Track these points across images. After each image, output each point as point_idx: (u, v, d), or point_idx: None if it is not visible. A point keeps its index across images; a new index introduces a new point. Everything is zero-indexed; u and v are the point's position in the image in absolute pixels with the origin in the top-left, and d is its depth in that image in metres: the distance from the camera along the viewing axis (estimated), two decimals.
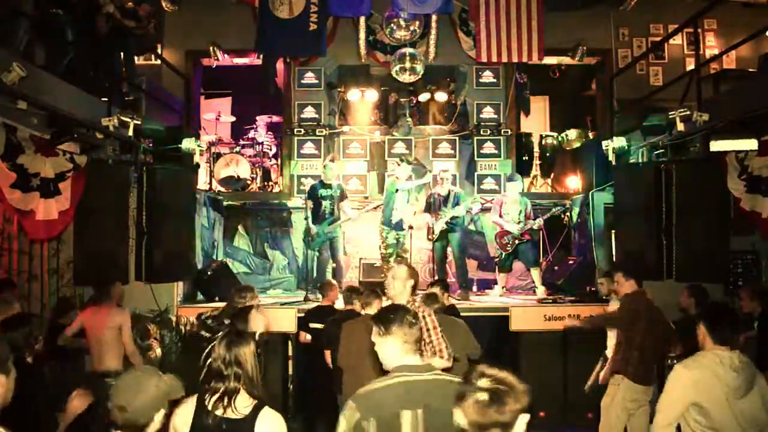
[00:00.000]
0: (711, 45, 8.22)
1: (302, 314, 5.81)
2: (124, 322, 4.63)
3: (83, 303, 5.82)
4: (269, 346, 4.91)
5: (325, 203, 6.89)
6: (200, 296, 6.81)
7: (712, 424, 2.64)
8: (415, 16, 7.67)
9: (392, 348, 2.28)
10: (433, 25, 7.93)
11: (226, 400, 2.25)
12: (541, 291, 6.94)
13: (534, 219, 6.92)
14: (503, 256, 7.07)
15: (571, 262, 7.42)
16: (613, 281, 4.82)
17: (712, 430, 2.65)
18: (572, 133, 8.67)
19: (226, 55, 8.09)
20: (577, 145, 8.63)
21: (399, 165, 7.06)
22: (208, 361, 2.49)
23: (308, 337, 5.35)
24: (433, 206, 7.00)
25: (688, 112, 5.32)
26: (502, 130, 8.36)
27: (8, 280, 4.92)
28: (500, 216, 6.99)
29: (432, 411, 2.14)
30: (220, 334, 2.75)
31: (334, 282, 5.90)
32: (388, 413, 2.14)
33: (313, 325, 5.31)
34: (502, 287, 7.22)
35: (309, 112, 8.41)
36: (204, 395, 2.31)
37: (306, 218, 7.03)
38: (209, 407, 2.26)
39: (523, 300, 6.95)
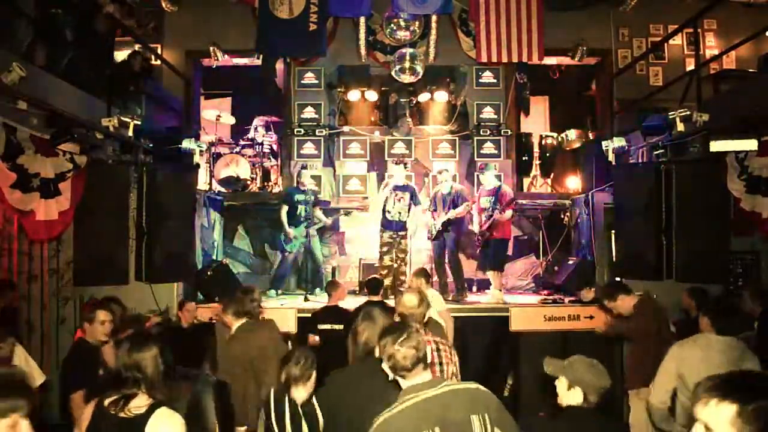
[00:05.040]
0: (711, 45, 8.21)
1: (302, 314, 5.80)
2: None
3: (83, 304, 5.82)
4: None
5: (300, 207, 7.10)
6: (200, 296, 6.81)
7: None
8: (415, 16, 7.66)
9: (390, 372, 2.24)
10: (433, 25, 7.92)
11: (122, 402, 2.32)
12: (492, 294, 6.83)
13: (509, 210, 6.71)
14: (479, 252, 7.05)
15: (571, 262, 7.42)
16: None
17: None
18: (572, 133, 8.68)
19: (226, 55, 8.08)
20: (577, 145, 8.63)
21: (396, 165, 7.16)
22: None
23: (317, 338, 5.32)
24: (435, 205, 7.01)
25: (688, 113, 5.32)
26: (502, 131, 8.36)
27: (8, 281, 4.92)
28: (480, 211, 6.90)
29: (450, 423, 2.11)
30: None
31: (339, 282, 5.91)
32: None
33: (323, 327, 5.30)
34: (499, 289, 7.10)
35: (309, 113, 8.42)
36: (104, 397, 2.38)
37: (269, 220, 7.23)
38: (106, 407, 2.34)
39: (524, 300, 6.96)
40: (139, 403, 2.32)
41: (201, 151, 7.02)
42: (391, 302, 5.80)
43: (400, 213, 6.98)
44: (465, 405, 2.14)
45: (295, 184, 7.53)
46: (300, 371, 3.13)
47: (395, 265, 6.97)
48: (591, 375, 2.49)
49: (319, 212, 7.32)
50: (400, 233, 7.03)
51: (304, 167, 7.64)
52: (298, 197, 7.13)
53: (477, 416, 2.13)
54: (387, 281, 6.60)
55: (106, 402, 2.35)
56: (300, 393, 3.14)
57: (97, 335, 3.77)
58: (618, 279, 6.46)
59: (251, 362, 4.01)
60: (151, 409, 2.30)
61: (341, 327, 5.10)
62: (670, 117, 5.45)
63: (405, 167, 7.22)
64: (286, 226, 7.07)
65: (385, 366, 2.24)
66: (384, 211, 7.04)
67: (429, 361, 2.31)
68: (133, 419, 2.27)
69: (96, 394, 2.51)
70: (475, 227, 6.93)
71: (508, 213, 6.73)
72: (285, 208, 7.12)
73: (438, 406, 2.12)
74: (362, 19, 7.87)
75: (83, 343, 3.84)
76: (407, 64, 7.53)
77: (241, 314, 4.21)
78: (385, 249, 7.05)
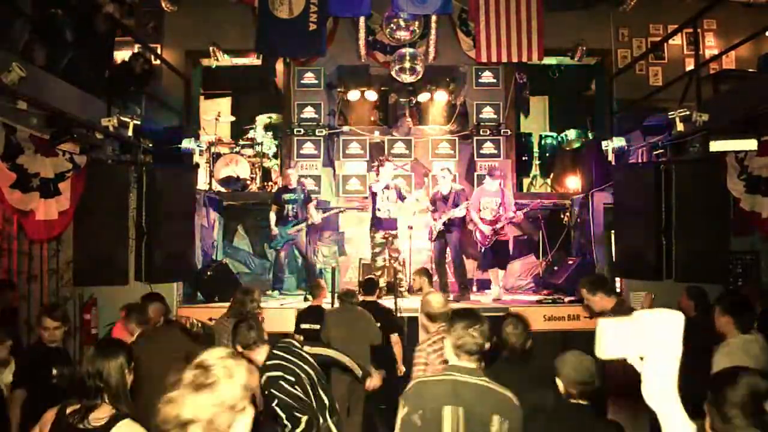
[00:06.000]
0: (711, 45, 8.22)
1: None
2: None
3: (83, 304, 5.82)
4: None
5: (288, 206, 7.20)
6: (200, 296, 6.81)
7: None
8: (415, 16, 7.67)
9: (447, 348, 2.44)
10: (433, 25, 7.92)
11: (83, 413, 2.21)
12: (495, 291, 6.91)
13: (517, 210, 6.78)
14: (482, 251, 7.04)
15: (571, 262, 7.42)
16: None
17: None
18: (572, 133, 8.68)
19: (226, 55, 8.09)
20: (576, 145, 8.63)
21: (383, 164, 7.13)
22: None
23: (300, 338, 5.38)
24: (435, 206, 7.01)
25: (687, 112, 5.32)
26: (502, 130, 8.35)
27: (8, 281, 4.91)
28: (478, 211, 6.91)
29: (474, 412, 2.26)
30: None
31: (323, 284, 5.92)
32: (432, 407, 2.27)
33: (304, 326, 5.36)
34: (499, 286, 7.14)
35: (309, 112, 8.42)
36: (66, 405, 2.28)
37: (268, 220, 7.30)
38: (67, 417, 2.24)
39: (524, 300, 6.96)
40: (101, 414, 2.20)
41: (201, 151, 7.04)
42: (387, 303, 5.84)
43: (389, 210, 7.02)
44: (493, 404, 2.29)
45: (282, 184, 7.60)
46: (257, 334, 3.08)
47: (395, 265, 6.99)
48: (572, 369, 2.53)
49: (312, 210, 7.33)
50: (392, 232, 7.07)
51: (290, 167, 7.74)
52: (285, 197, 7.21)
53: (499, 417, 2.26)
54: (382, 282, 6.64)
55: (68, 410, 2.25)
56: (261, 355, 3.09)
57: (45, 340, 3.63)
58: (614, 278, 6.48)
59: (151, 370, 3.91)
60: (112, 421, 2.17)
61: (318, 326, 5.28)
62: (670, 117, 5.45)
63: (391, 165, 7.24)
64: (272, 224, 7.20)
65: (449, 342, 2.41)
66: (374, 209, 7.07)
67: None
68: (95, 430, 2.16)
69: (46, 397, 2.43)
70: (481, 227, 6.90)
71: (515, 214, 6.83)
72: (274, 209, 7.25)
73: (471, 393, 2.29)
74: (362, 19, 7.87)
75: (38, 344, 3.75)
76: (407, 64, 7.54)
77: (143, 323, 4.06)
78: (377, 250, 7.08)
